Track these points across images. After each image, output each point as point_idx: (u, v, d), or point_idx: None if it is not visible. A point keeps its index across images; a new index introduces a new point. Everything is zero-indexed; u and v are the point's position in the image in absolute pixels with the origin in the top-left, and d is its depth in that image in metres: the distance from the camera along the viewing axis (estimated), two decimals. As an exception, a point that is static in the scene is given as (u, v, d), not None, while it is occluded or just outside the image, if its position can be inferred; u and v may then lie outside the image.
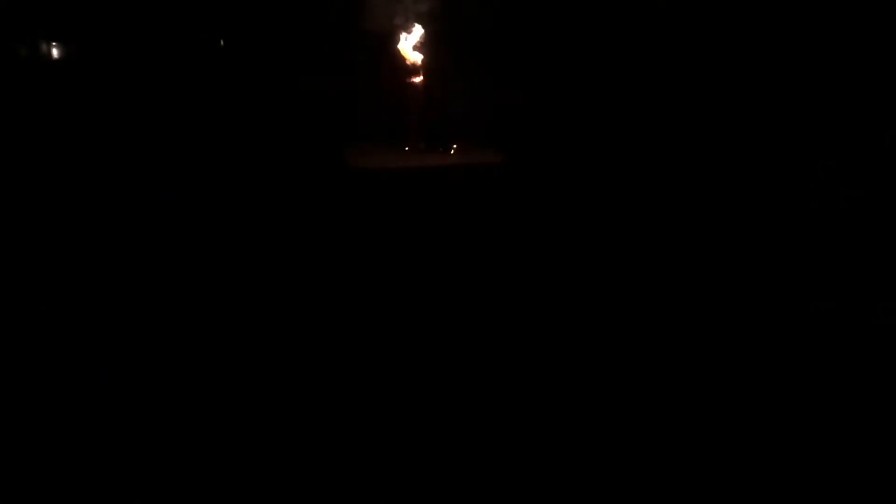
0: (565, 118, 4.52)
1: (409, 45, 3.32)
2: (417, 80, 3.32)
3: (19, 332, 2.88)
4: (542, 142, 4.42)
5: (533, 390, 2.69)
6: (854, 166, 3.89)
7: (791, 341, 3.02)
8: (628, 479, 2.36)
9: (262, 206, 3.84)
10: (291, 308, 3.02)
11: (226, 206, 3.89)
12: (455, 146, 3.45)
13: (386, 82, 3.92)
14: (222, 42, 5.03)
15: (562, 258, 3.68)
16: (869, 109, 3.89)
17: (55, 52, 4.41)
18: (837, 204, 3.71)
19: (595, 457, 2.45)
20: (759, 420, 2.59)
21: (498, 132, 4.37)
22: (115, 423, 2.53)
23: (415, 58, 3.32)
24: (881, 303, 3.21)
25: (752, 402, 2.69)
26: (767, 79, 4.06)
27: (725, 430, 2.57)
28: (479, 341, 2.80)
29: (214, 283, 3.22)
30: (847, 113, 3.97)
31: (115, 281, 3.27)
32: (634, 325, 3.16)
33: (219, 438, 2.48)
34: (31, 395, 2.67)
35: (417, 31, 3.31)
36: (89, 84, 3.97)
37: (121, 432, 2.51)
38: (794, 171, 3.93)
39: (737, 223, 3.77)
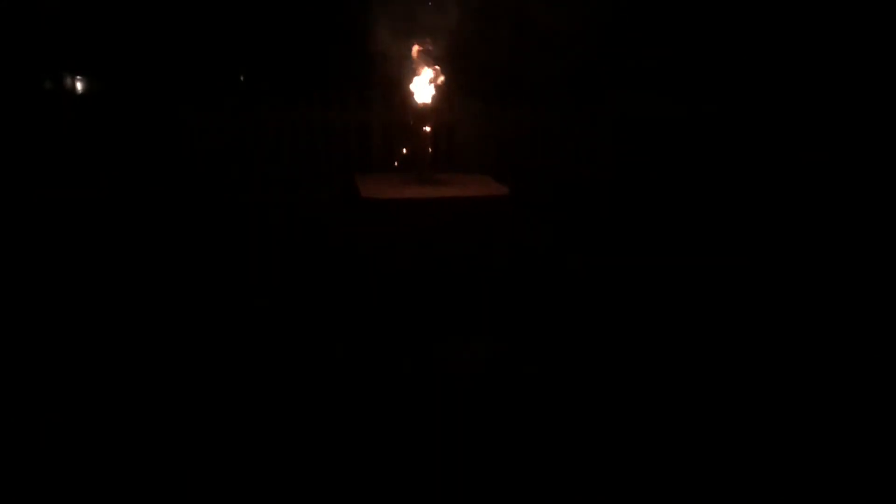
0: (568, 153, 4.70)
1: (420, 85, 3.52)
2: (427, 117, 3.51)
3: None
4: (545, 174, 4.58)
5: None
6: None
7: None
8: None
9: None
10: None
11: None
12: (461, 178, 3.62)
13: (397, 118, 4.12)
14: (242, 78, 5.23)
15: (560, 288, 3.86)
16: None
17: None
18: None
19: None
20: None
21: (503, 166, 4.54)
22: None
23: (425, 97, 3.52)
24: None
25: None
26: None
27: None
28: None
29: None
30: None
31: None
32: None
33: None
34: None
35: (427, 72, 3.52)
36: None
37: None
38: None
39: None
